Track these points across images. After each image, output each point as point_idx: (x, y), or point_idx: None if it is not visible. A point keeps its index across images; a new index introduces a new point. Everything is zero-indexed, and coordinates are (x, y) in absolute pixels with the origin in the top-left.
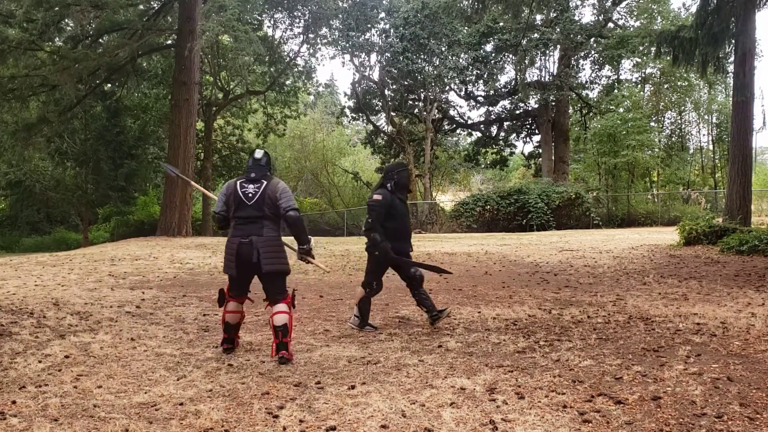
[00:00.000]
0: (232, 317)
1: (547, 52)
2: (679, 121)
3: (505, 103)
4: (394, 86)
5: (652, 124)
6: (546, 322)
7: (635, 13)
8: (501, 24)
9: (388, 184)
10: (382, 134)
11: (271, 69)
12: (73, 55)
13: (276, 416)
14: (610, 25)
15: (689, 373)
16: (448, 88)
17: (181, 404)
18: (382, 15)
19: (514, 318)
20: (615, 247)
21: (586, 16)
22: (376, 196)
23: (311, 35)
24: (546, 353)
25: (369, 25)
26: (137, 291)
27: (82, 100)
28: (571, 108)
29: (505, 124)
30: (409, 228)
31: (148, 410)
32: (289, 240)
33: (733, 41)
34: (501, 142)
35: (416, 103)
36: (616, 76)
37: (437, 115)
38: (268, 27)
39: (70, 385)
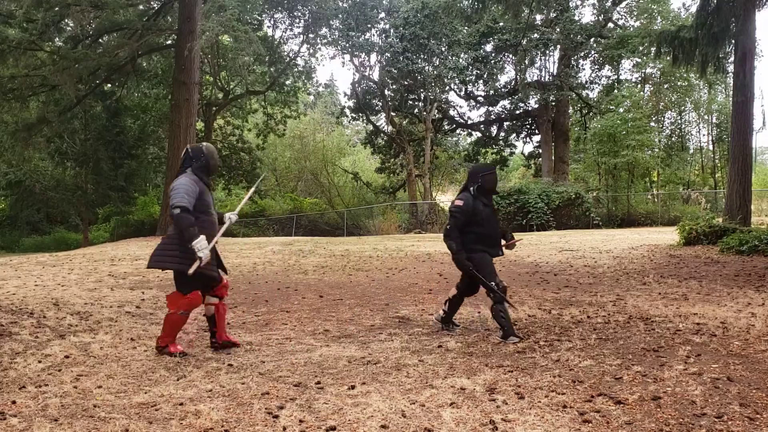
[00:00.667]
0: (206, 309)
1: (547, 52)
2: (679, 121)
3: (505, 103)
4: (394, 86)
5: (652, 124)
6: (546, 322)
7: (635, 13)
8: (501, 24)
9: (472, 188)
10: (382, 134)
11: (271, 69)
12: (73, 55)
13: (276, 416)
14: (610, 25)
15: (689, 373)
16: (448, 88)
17: (181, 404)
18: (382, 15)
19: (514, 318)
20: (615, 247)
21: (586, 16)
22: (457, 202)
23: (311, 35)
24: (546, 353)
25: (369, 25)
26: (137, 291)
27: (82, 100)
28: (571, 108)
29: (505, 124)
30: (496, 232)
31: (148, 410)
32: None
33: (733, 41)
34: (501, 142)
35: (416, 103)
36: (616, 76)
37: (437, 115)
38: (268, 27)
39: (70, 385)
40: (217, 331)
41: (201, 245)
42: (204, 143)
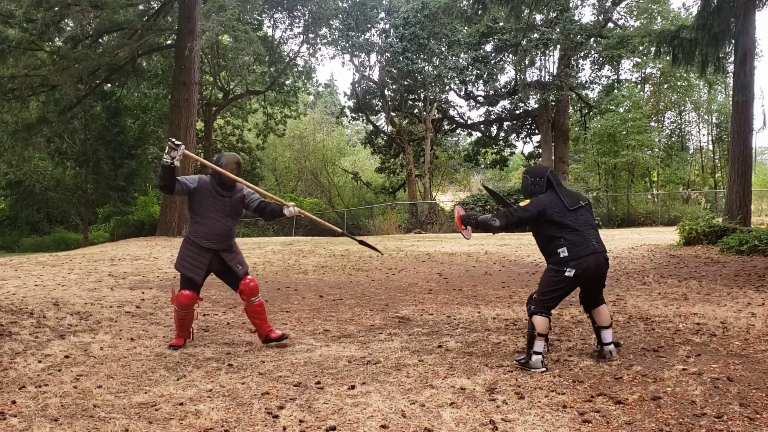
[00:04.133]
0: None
1: (547, 52)
2: (679, 121)
3: (505, 103)
4: (394, 86)
5: (652, 124)
6: None
7: (635, 13)
8: (501, 24)
9: None
10: (381, 134)
11: (271, 69)
12: (73, 55)
13: (276, 416)
14: (610, 25)
15: (689, 373)
16: (448, 88)
17: (181, 404)
18: (382, 15)
19: (514, 318)
20: (615, 247)
21: (586, 16)
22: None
23: (311, 35)
24: (545, 353)
25: (369, 25)
26: (137, 291)
27: (82, 100)
28: (571, 108)
29: (505, 124)
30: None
31: (148, 410)
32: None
33: (733, 41)
34: (501, 142)
35: (416, 103)
36: (616, 76)
37: (437, 115)
38: (268, 27)
39: (70, 385)
40: (255, 329)
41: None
42: (229, 153)
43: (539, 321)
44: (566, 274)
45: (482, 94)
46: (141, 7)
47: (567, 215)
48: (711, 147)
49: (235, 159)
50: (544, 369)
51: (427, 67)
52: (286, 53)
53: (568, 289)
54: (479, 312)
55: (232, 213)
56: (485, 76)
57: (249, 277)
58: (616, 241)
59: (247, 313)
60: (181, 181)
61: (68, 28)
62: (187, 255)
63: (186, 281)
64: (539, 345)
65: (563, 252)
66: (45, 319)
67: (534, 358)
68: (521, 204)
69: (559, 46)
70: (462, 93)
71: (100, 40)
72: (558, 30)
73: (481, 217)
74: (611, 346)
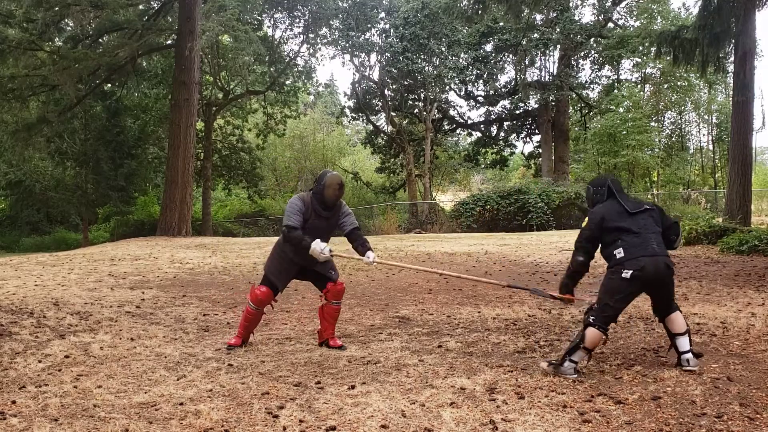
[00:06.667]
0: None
1: (547, 52)
2: (679, 121)
3: (505, 103)
4: (394, 86)
5: (652, 124)
6: (546, 322)
7: (635, 13)
8: (501, 24)
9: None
10: (382, 134)
11: (271, 69)
12: (73, 55)
13: (276, 416)
14: (610, 25)
15: (689, 373)
16: (448, 88)
17: (181, 404)
18: (382, 15)
19: (514, 318)
20: None
21: (586, 16)
22: None
23: (311, 35)
24: (546, 353)
25: (369, 25)
26: (137, 291)
27: (82, 100)
28: (571, 108)
29: (505, 124)
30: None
31: (148, 410)
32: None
33: (733, 41)
34: (501, 142)
35: (416, 103)
36: (616, 76)
37: (437, 115)
38: (268, 27)
39: (70, 385)
40: (320, 329)
41: (317, 249)
42: (332, 172)
43: (591, 334)
44: (623, 275)
45: (482, 94)
46: (141, 7)
47: (626, 219)
48: (711, 147)
49: (338, 180)
50: (575, 375)
51: (427, 67)
52: (286, 53)
53: (628, 294)
54: (479, 312)
55: (328, 234)
56: (485, 76)
57: (339, 280)
58: None
59: (322, 312)
60: (300, 221)
61: (68, 28)
62: (277, 261)
63: (267, 281)
64: (579, 355)
65: (619, 253)
66: (45, 319)
67: (567, 364)
68: (582, 226)
69: (559, 46)
70: (462, 93)
71: (100, 40)
72: (558, 30)
73: (565, 277)
74: (689, 354)
